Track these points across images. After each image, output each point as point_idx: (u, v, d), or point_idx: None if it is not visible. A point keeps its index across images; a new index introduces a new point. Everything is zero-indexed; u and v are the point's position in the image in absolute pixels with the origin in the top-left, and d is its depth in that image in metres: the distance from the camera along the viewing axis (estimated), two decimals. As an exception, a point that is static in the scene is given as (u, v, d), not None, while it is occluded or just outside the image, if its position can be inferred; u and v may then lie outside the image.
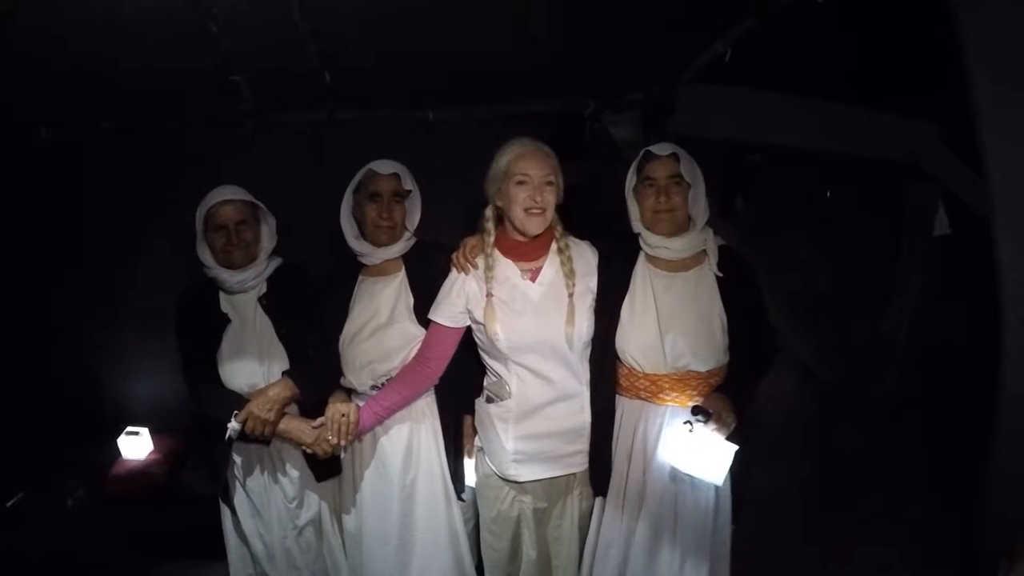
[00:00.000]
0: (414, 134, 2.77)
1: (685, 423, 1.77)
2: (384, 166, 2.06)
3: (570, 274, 1.94)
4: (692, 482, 1.83)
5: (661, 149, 1.91)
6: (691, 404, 1.83)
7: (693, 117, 2.85)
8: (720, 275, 1.90)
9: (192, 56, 2.11)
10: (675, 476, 1.87)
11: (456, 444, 2.15)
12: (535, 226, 1.89)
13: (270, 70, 2.30)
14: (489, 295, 1.94)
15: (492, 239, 1.97)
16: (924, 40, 2.24)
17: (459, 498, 2.17)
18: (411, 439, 2.09)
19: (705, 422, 1.75)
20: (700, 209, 1.93)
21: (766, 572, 2.61)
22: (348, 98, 2.65)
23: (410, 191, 2.10)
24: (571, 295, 1.93)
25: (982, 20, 1.66)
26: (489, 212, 1.98)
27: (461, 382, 2.10)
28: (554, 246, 1.99)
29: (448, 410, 2.12)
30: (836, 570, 2.72)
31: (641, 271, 1.97)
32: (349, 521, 2.20)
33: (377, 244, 2.08)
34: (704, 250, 1.94)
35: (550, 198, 1.89)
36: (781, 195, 3.56)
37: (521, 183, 1.87)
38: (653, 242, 1.93)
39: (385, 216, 2.04)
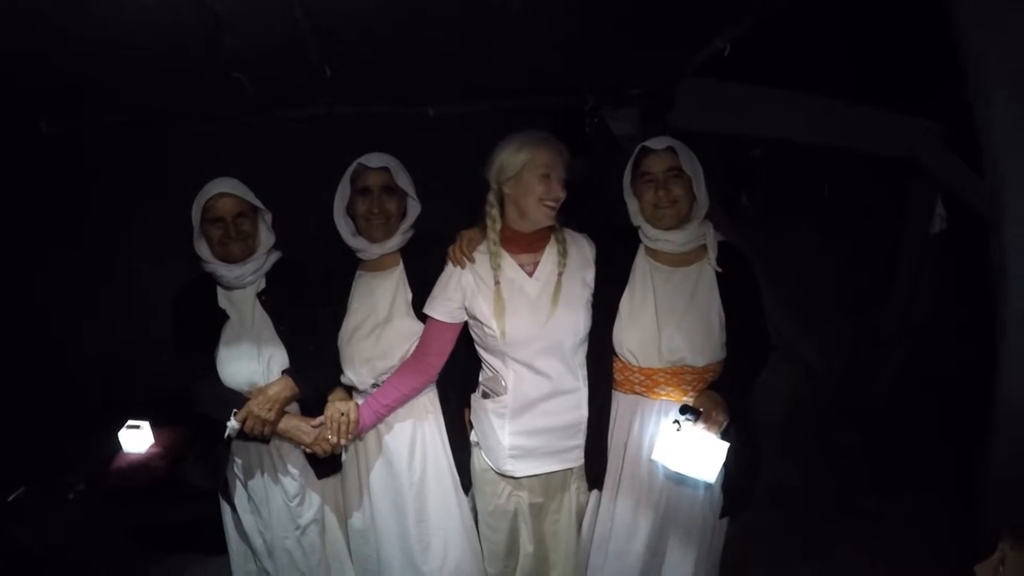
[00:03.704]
0: (414, 129, 2.77)
1: (673, 422, 1.76)
2: (373, 160, 2.04)
3: (563, 253, 1.97)
4: (684, 478, 1.83)
5: (657, 143, 1.90)
6: (682, 402, 1.82)
7: (692, 112, 2.84)
8: (719, 271, 1.90)
9: (193, 51, 2.10)
10: (668, 472, 1.86)
11: (461, 438, 2.14)
12: (548, 218, 1.93)
13: (271, 65, 2.29)
14: (497, 283, 1.94)
15: (499, 226, 1.98)
16: (923, 37, 2.24)
17: (465, 491, 2.17)
18: (415, 436, 2.09)
19: (694, 421, 1.74)
20: (701, 200, 1.92)
21: (764, 570, 2.62)
22: (348, 93, 2.65)
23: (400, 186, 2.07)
24: (560, 275, 1.95)
25: (979, 17, 1.67)
26: (493, 199, 1.98)
27: (464, 376, 2.09)
28: (552, 238, 2.00)
29: (451, 405, 2.12)
30: (834, 568, 2.73)
31: (641, 265, 1.97)
32: (356, 520, 2.19)
33: (372, 239, 2.06)
34: (704, 245, 1.93)
35: (563, 194, 1.91)
36: (782, 191, 3.57)
37: (545, 176, 1.89)
38: (653, 235, 1.93)
39: (376, 211, 2.02)
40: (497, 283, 1.94)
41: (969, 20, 1.68)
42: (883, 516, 2.97)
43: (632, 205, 1.98)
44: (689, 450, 1.73)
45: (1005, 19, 1.65)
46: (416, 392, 2.04)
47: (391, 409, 2.04)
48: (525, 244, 1.98)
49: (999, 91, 1.70)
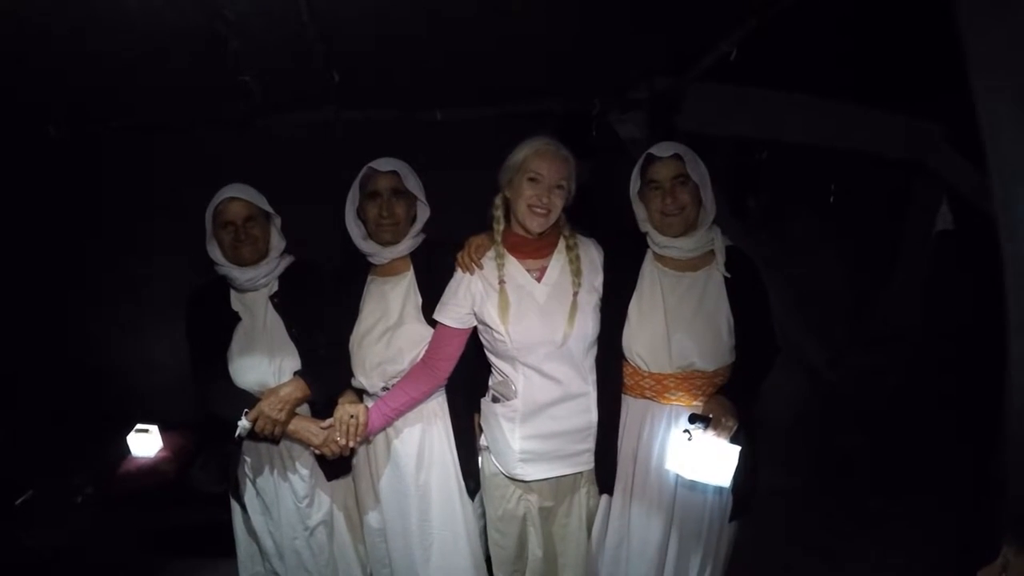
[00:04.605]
0: (422, 134, 2.78)
1: (684, 432, 1.76)
2: (383, 164, 2.05)
3: (577, 273, 1.96)
4: (695, 483, 1.83)
5: (662, 150, 1.89)
6: (691, 410, 1.82)
7: (699, 115, 2.85)
8: (728, 276, 1.90)
9: (201, 56, 2.12)
10: (681, 478, 1.86)
11: (468, 443, 2.15)
12: (535, 224, 1.91)
13: (278, 70, 2.30)
14: (501, 282, 1.95)
15: (502, 227, 1.99)
16: (928, 38, 2.24)
17: (470, 496, 2.18)
18: (423, 440, 2.10)
19: (704, 428, 1.74)
20: (708, 206, 1.91)
21: (767, 571, 2.62)
22: (355, 98, 2.66)
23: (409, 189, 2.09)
24: (575, 294, 1.94)
25: (983, 17, 1.66)
26: (499, 201, 2.00)
27: (472, 382, 2.10)
28: (561, 244, 2.00)
29: (460, 410, 2.12)
30: (838, 570, 2.73)
31: (649, 270, 1.96)
32: (372, 518, 2.21)
33: (382, 243, 2.08)
34: (712, 250, 1.93)
35: (557, 201, 1.90)
36: (788, 193, 3.57)
37: (532, 180, 1.89)
38: (661, 242, 1.92)
39: (386, 214, 2.03)
40: (502, 283, 1.95)
41: (973, 19, 1.68)
42: (887, 518, 2.97)
43: (639, 212, 1.97)
44: (702, 457, 1.73)
45: (1009, 17, 1.64)
46: (425, 396, 2.05)
47: (400, 413, 2.05)
48: (531, 249, 1.98)
49: (1002, 89, 1.69)
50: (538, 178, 1.89)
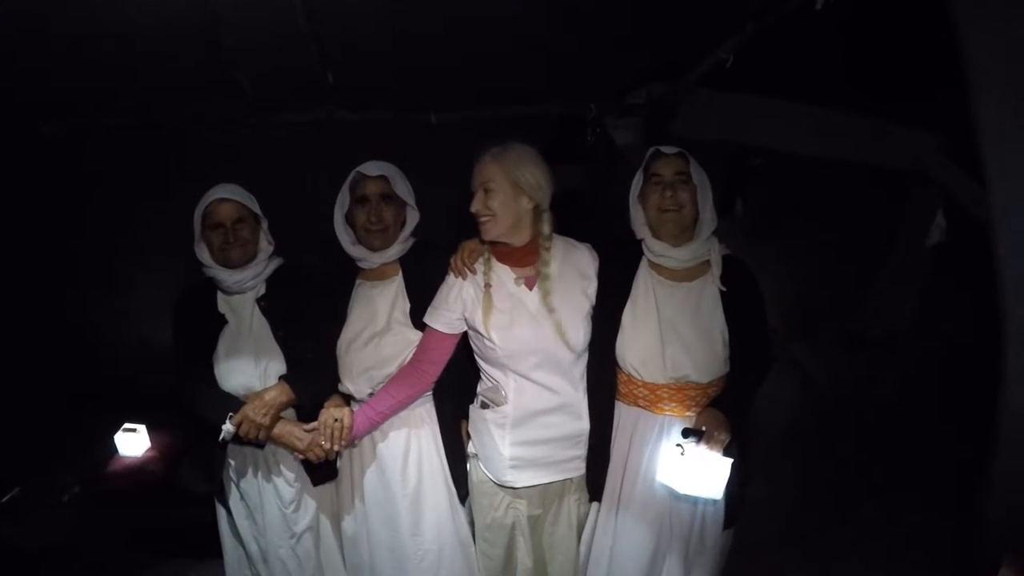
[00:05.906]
0: (415, 137, 2.76)
1: (676, 446, 1.75)
2: (371, 168, 2.02)
3: (545, 278, 1.92)
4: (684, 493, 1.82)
5: (669, 148, 1.90)
6: (683, 424, 1.81)
7: (695, 121, 2.84)
8: (724, 290, 1.88)
9: (194, 55, 2.11)
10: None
11: (457, 450, 2.12)
12: (484, 232, 1.91)
13: (272, 70, 2.30)
14: (487, 285, 1.93)
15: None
16: (927, 47, 2.24)
17: (461, 503, 2.15)
18: (409, 445, 2.07)
19: (697, 442, 1.73)
20: (707, 216, 1.90)
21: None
22: (349, 99, 2.64)
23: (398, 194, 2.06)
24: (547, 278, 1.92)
25: (982, 27, 1.66)
26: None
27: (461, 387, 2.08)
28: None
29: (447, 416, 2.10)
30: (833, 576, 2.72)
31: (644, 278, 1.94)
32: (347, 525, 2.18)
33: (371, 248, 2.05)
34: (708, 260, 1.92)
35: (492, 203, 1.87)
36: (781, 199, 3.56)
37: (474, 193, 1.90)
38: (657, 250, 1.91)
39: (374, 219, 2.01)
40: (487, 286, 1.93)
41: (969, 28, 1.67)
42: (881, 526, 2.96)
43: (638, 216, 1.95)
44: (694, 471, 1.73)
45: (1006, 26, 1.64)
46: (411, 400, 2.02)
47: (385, 416, 2.02)
48: (518, 257, 1.96)
49: (1000, 99, 1.69)
50: (474, 187, 1.90)
